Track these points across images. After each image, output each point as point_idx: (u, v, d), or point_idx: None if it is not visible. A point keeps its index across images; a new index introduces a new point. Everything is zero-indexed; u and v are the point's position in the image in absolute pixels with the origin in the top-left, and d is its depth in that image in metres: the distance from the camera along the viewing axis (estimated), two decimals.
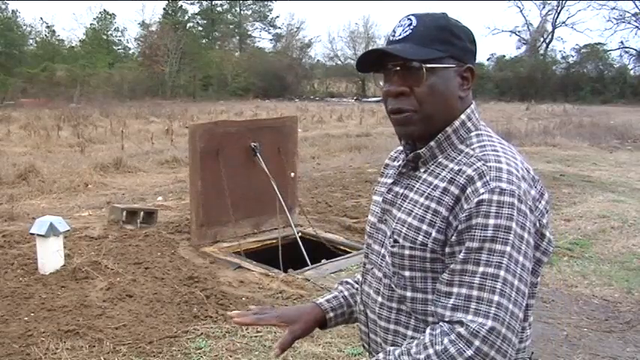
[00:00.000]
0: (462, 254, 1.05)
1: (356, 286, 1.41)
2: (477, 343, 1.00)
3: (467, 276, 1.04)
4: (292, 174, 6.18)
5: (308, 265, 5.15)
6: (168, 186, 9.05)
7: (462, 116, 1.18)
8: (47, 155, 12.22)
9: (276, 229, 5.71)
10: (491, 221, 1.03)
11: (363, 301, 1.29)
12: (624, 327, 4.00)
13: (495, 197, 1.04)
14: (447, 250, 1.09)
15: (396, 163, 1.33)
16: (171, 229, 5.99)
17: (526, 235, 1.05)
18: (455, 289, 1.05)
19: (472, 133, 1.18)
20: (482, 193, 1.05)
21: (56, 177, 9.16)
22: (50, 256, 4.66)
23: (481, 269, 1.03)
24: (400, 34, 1.16)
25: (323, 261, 5.24)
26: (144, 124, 20.46)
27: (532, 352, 1.23)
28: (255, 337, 3.67)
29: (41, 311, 3.94)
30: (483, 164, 1.09)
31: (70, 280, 4.50)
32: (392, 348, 1.12)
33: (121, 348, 3.46)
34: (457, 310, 1.04)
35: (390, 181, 1.27)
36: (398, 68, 1.15)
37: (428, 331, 1.07)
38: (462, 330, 1.01)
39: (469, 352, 1.00)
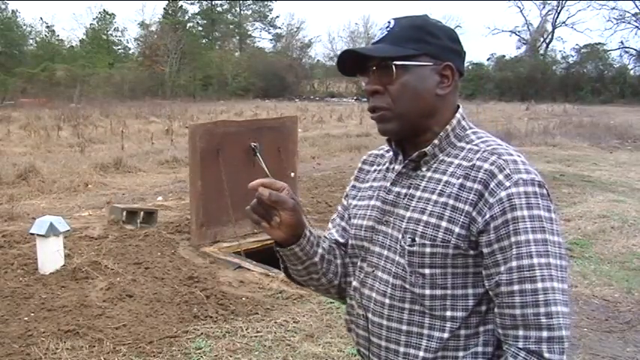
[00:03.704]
0: (513, 250, 1.08)
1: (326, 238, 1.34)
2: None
3: (526, 271, 1.07)
4: (292, 174, 6.18)
5: None
6: (168, 186, 9.06)
7: (457, 115, 1.21)
8: (47, 155, 12.22)
9: None
10: (526, 212, 1.08)
11: (363, 305, 1.25)
12: (624, 327, 4.00)
13: (522, 189, 1.08)
14: (485, 250, 1.10)
15: (377, 167, 1.34)
16: (171, 229, 5.99)
17: (553, 215, 1.11)
18: (516, 288, 1.08)
19: (468, 131, 1.21)
20: (509, 187, 1.08)
21: (56, 177, 9.16)
22: (50, 256, 4.66)
23: (535, 260, 1.07)
24: (379, 37, 1.19)
25: None
26: (144, 124, 20.46)
27: None
28: (255, 337, 3.67)
29: (41, 311, 3.94)
30: (498, 158, 1.12)
31: (70, 280, 4.50)
32: None
33: (121, 348, 3.46)
34: (527, 319, 1.07)
35: (385, 183, 1.26)
36: (374, 68, 1.17)
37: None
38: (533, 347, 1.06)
39: None
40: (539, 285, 1.06)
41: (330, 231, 1.41)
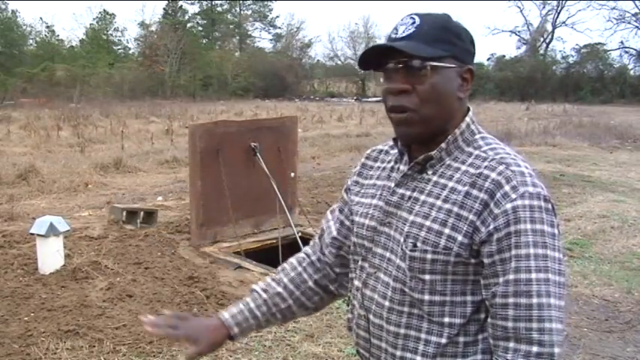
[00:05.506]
0: (512, 262, 1.07)
1: (264, 295, 1.39)
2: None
3: (522, 285, 1.06)
4: (292, 174, 6.18)
5: None
6: (168, 186, 9.06)
7: (467, 119, 1.18)
8: (47, 155, 12.21)
9: (276, 229, 5.71)
10: (529, 226, 1.06)
11: (364, 306, 1.24)
12: (624, 327, 4.01)
13: (527, 202, 1.07)
14: (486, 260, 1.09)
15: (381, 164, 1.32)
16: (171, 229, 5.98)
17: (556, 231, 1.09)
18: (510, 300, 1.07)
19: (476, 136, 1.18)
20: (515, 199, 1.07)
21: (56, 177, 9.15)
22: (50, 256, 4.66)
23: (533, 275, 1.06)
24: (404, 32, 1.13)
25: None
26: (144, 124, 20.44)
27: None
28: (255, 337, 3.67)
29: (41, 311, 3.94)
30: (506, 168, 1.10)
31: (70, 280, 4.50)
32: None
33: (121, 348, 3.46)
34: (519, 321, 1.07)
35: (389, 183, 1.24)
36: (400, 66, 1.13)
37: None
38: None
39: None
40: (535, 300, 1.06)
41: (329, 224, 1.42)
